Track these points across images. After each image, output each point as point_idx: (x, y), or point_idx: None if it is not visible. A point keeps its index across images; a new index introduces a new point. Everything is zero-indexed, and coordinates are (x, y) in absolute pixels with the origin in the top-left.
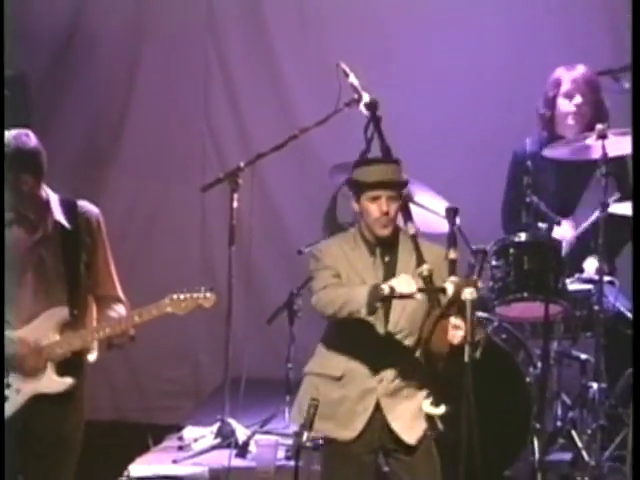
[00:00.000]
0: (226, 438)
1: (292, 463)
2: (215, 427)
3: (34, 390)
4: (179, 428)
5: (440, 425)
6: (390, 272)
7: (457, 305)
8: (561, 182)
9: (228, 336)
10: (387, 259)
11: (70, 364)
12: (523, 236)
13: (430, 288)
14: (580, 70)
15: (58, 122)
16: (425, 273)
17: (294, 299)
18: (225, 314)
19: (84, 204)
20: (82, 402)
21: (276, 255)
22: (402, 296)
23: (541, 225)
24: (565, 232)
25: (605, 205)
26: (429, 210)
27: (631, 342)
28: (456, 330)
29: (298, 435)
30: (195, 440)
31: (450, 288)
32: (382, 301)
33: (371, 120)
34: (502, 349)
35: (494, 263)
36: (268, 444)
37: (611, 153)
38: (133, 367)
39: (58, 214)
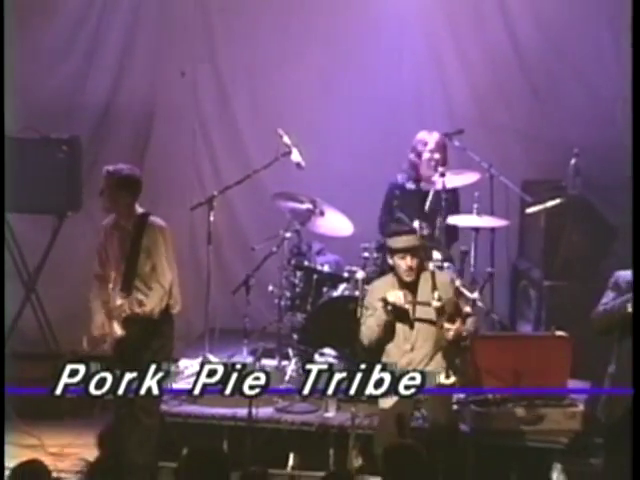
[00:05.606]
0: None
1: None
2: (199, 360)
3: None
4: (176, 360)
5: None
6: (414, 297)
7: (448, 314)
8: (419, 205)
9: (207, 301)
10: (412, 289)
11: (130, 321)
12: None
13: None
14: (437, 135)
15: (100, 166)
16: (437, 299)
17: (249, 278)
18: (206, 287)
19: (154, 219)
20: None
21: (238, 250)
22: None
23: None
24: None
25: (445, 218)
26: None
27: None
28: (448, 331)
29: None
30: (186, 368)
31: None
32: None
33: None
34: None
35: (375, 255)
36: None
37: (448, 185)
38: None
39: (133, 224)
